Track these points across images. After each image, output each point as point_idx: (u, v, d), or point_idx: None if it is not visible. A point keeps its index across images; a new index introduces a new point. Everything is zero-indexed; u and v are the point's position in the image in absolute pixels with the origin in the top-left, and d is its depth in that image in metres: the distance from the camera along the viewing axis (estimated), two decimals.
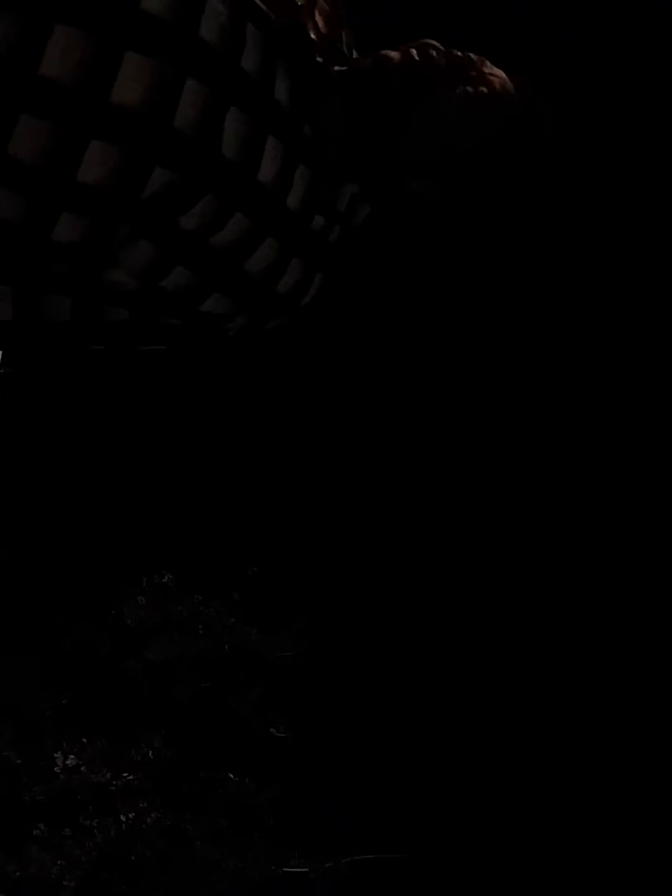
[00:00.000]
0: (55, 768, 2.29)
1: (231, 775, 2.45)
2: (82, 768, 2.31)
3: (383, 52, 1.38)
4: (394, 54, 1.35)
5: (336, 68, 1.41)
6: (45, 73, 1.19)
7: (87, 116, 1.22)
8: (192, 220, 1.37)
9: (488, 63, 1.39)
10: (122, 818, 2.31)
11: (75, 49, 1.20)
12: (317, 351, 2.51)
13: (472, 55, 1.38)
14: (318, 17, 1.47)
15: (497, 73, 1.41)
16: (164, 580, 2.53)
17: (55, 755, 2.31)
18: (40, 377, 2.50)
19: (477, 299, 2.30)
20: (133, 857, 2.30)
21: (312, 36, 1.45)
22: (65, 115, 1.21)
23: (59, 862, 2.23)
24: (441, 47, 1.33)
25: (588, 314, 2.30)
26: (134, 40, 1.25)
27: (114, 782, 2.34)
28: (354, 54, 1.46)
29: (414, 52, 1.35)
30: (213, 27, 1.29)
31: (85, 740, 2.34)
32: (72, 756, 2.31)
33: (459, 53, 1.34)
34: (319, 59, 1.41)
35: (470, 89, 1.34)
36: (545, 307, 2.33)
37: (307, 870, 2.44)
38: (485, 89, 1.37)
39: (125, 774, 2.35)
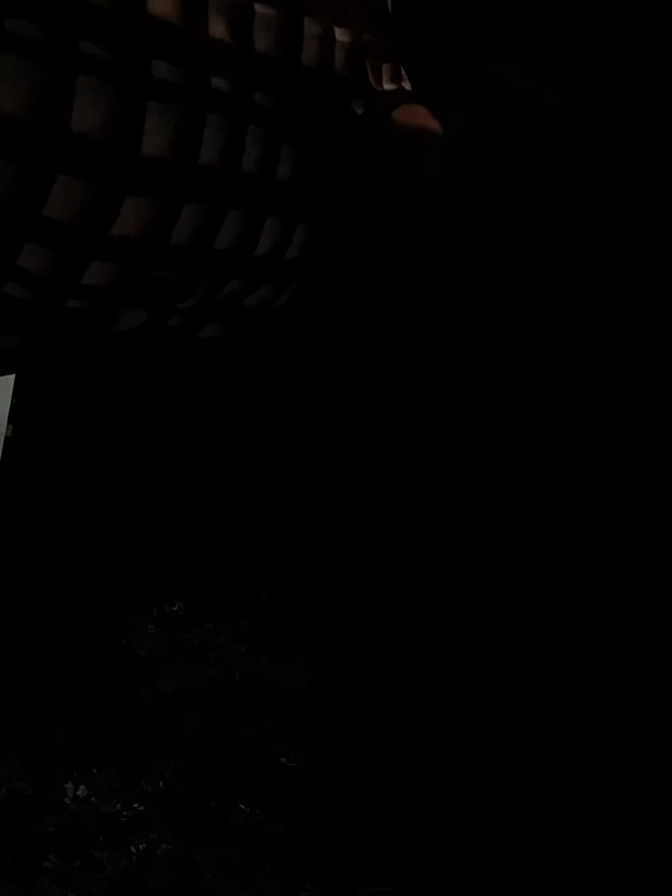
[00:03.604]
0: (65, 799, 2.28)
1: (242, 806, 2.43)
2: (93, 799, 2.30)
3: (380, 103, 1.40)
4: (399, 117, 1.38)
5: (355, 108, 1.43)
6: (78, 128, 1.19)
7: (119, 170, 1.23)
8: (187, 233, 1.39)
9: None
10: (133, 849, 2.29)
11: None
12: (329, 379, 2.51)
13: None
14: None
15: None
16: (175, 609, 2.52)
17: (65, 785, 2.29)
18: (48, 408, 2.50)
19: (480, 302, 2.29)
20: (144, 890, 2.28)
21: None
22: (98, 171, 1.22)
23: (69, 894, 2.21)
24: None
25: (588, 312, 2.30)
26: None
27: (124, 813, 2.32)
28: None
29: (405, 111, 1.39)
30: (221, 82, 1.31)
31: (95, 770, 2.33)
32: (82, 786, 2.30)
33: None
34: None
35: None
36: (548, 308, 2.32)
37: None
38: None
39: (136, 805, 2.33)
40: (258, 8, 1.27)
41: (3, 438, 2.41)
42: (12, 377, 2.38)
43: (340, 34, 1.39)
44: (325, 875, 2.41)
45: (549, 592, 2.50)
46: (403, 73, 1.54)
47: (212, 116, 1.29)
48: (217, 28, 1.24)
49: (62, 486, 2.54)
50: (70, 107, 1.18)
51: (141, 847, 2.31)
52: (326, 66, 1.38)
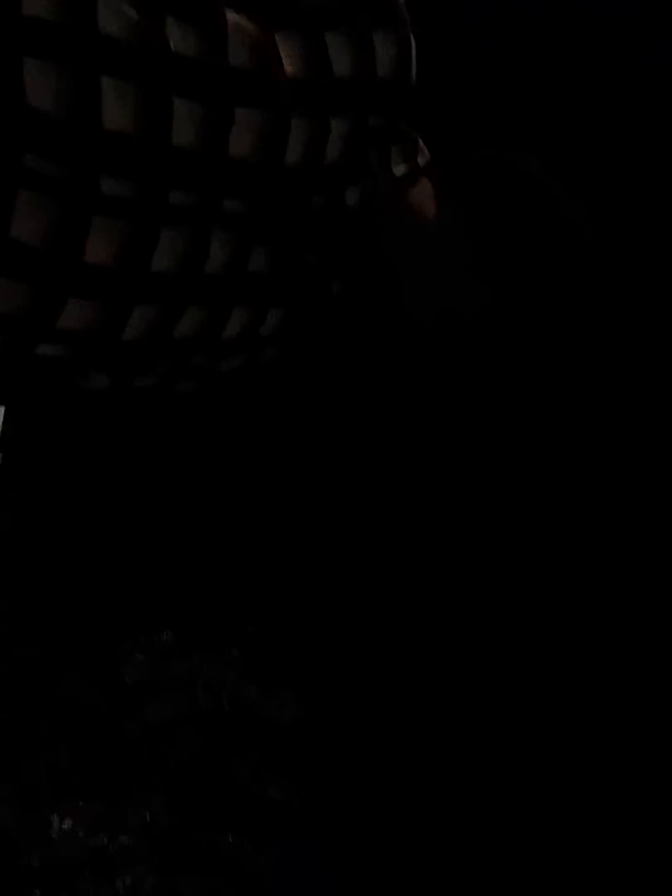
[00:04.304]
0: (51, 833, 2.25)
1: (230, 838, 2.41)
2: (79, 832, 2.27)
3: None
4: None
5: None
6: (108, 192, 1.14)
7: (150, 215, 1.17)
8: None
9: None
10: (119, 884, 2.27)
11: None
12: (315, 421, 2.50)
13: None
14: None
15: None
16: (163, 638, 2.50)
17: (51, 818, 2.26)
18: (39, 436, 2.49)
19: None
20: None
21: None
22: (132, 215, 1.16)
23: None
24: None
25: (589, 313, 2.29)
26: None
27: (111, 845, 2.29)
28: None
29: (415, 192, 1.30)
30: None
31: (81, 803, 2.30)
32: (68, 819, 2.27)
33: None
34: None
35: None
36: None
37: None
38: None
39: (122, 837, 2.31)
40: (239, 112, 1.17)
41: None
42: (2, 408, 2.37)
43: (338, 125, 1.26)
44: None
45: (541, 637, 2.49)
46: (420, 145, 1.44)
47: (167, 231, 1.20)
48: (184, 137, 1.15)
49: (52, 514, 2.53)
50: (10, 217, 1.12)
51: (127, 880, 2.28)
52: (316, 161, 1.25)
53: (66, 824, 2.28)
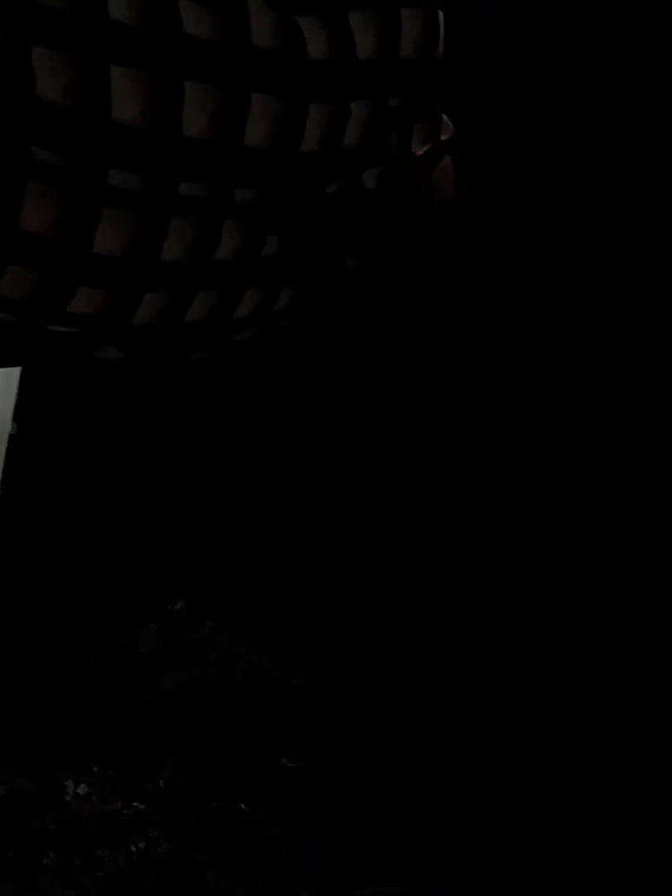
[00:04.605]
0: (66, 797, 2.28)
1: (242, 805, 2.43)
2: (93, 797, 2.30)
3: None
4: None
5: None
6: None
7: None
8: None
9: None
10: (133, 848, 2.30)
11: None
12: (331, 382, 2.51)
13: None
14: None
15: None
16: (176, 608, 2.53)
17: (66, 783, 2.30)
18: (54, 407, 2.51)
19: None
20: (143, 888, 2.28)
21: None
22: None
23: (69, 892, 2.22)
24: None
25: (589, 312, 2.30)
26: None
27: (124, 811, 2.32)
28: None
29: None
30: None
31: (96, 769, 2.33)
32: (83, 784, 2.30)
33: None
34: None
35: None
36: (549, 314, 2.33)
37: None
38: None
39: (136, 804, 2.34)
40: (255, 98, 1.11)
41: (7, 436, 2.41)
42: (17, 376, 2.38)
43: (358, 108, 1.19)
44: (324, 875, 2.41)
45: (550, 587, 2.51)
46: (445, 121, 1.39)
47: (176, 220, 1.17)
48: (195, 126, 1.10)
49: (66, 485, 2.55)
50: (19, 208, 1.11)
51: (141, 846, 2.31)
52: (333, 146, 1.19)
53: (82, 789, 2.31)
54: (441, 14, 1.30)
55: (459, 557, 2.58)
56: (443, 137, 1.34)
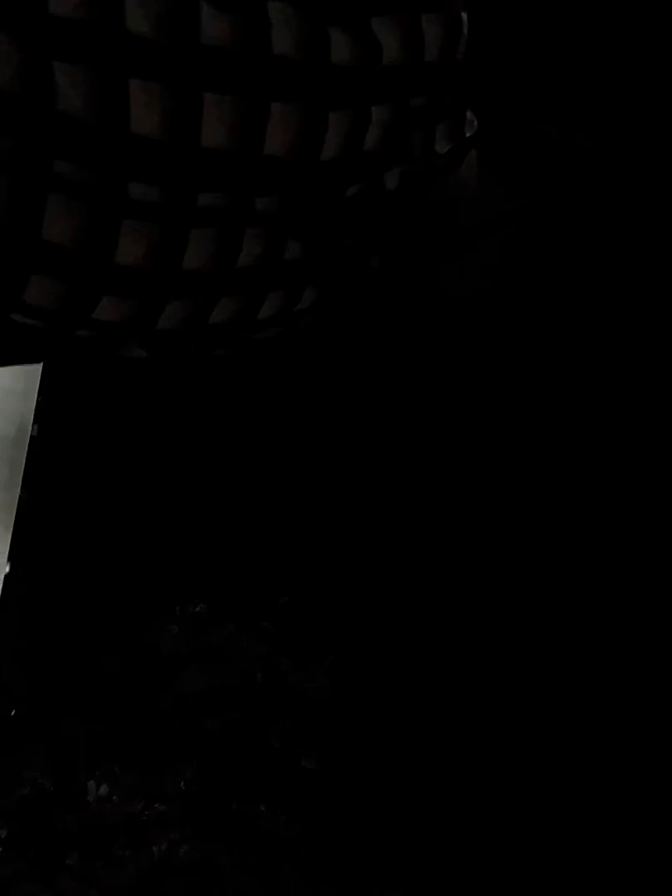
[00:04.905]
0: (88, 797, 2.29)
1: (262, 807, 2.43)
2: (115, 798, 2.30)
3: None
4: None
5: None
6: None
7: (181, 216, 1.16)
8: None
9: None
10: (154, 849, 2.30)
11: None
12: (344, 390, 2.52)
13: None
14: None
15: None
16: (197, 609, 2.53)
17: (88, 784, 2.30)
18: (74, 408, 2.51)
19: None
20: (165, 889, 2.28)
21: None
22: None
23: (91, 892, 2.22)
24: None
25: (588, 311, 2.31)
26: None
27: (146, 812, 2.32)
28: None
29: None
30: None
31: (117, 770, 2.34)
32: (104, 785, 2.31)
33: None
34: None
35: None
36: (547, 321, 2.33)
37: None
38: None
39: (157, 805, 2.34)
40: (275, 107, 1.12)
41: (29, 438, 2.42)
42: (38, 378, 2.39)
43: (379, 112, 1.19)
44: (345, 877, 2.41)
45: (561, 590, 2.51)
46: (469, 117, 1.39)
47: (196, 231, 1.15)
48: (214, 137, 1.11)
49: (87, 486, 2.55)
50: (41, 220, 1.11)
51: (162, 847, 2.31)
52: (354, 151, 1.19)
53: (103, 790, 2.31)
54: (464, 16, 1.30)
55: (478, 558, 2.58)
56: (467, 134, 1.34)
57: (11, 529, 2.43)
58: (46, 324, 1.22)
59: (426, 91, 1.26)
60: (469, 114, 1.37)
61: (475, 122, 1.35)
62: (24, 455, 2.43)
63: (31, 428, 2.44)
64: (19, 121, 1.06)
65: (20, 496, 2.43)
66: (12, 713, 2.36)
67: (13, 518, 2.43)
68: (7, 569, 2.43)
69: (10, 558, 2.42)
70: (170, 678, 2.48)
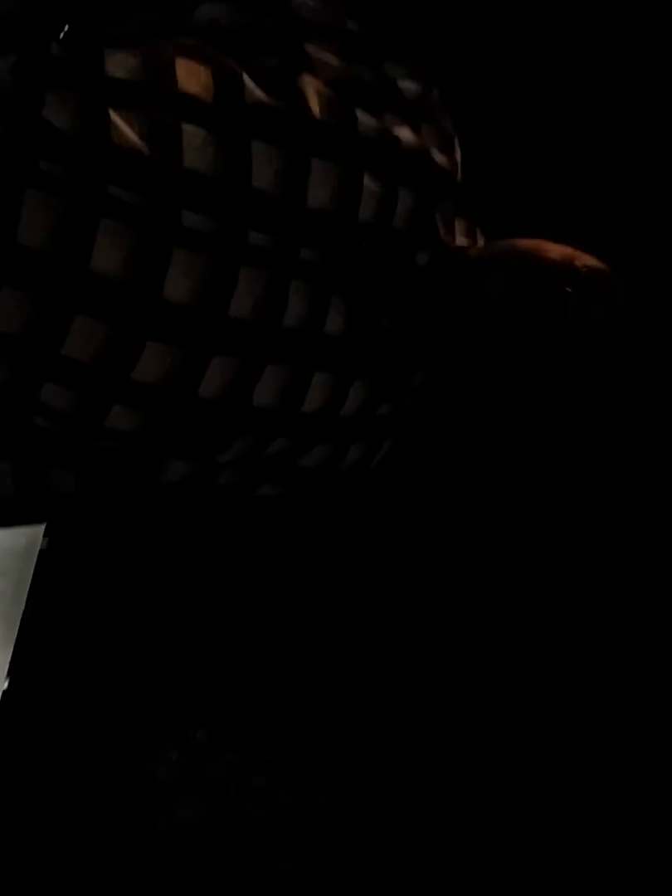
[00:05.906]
0: None
1: None
2: None
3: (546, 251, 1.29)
4: (556, 256, 1.26)
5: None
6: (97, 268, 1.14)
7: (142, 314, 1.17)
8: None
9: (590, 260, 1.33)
10: None
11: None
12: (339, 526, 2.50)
13: (590, 264, 1.31)
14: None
15: (601, 273, 1.34)
16: (197, 736, 2.46)
17: None
18: (76, 544, 2.47)
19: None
20: None
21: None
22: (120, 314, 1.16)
23: None
24: (588, 263, 1.27)
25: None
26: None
27: None
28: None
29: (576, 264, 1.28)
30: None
31: None
32: None
33: (588, 266, 1.28)
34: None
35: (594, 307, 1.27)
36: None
37: None
38: (605, 300, 1.31)
39: None
40: (315, 163, 1.23)
41: (37, 551, 2.36)
42: None
43: (404, 195, 1.32)
44: None
45: (562, 677, 2.47)
46: (479, 233, 1.48)
47: (245, 270, 1.20)
48: (263, 179, 1.20)
49: (93, 604, 2.50)
50: (91, 246, 1.11)
51: None
52: (385, 221, 1.29)
53: None
54: (456, 140, 1.40)
55: (484, 686, 2.52)
56: (479, 241, 1.40)
57: (13, 644, 2.36)
58: (82, 394, 1.19)
59: (437, 186, 1.38)
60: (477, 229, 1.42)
61: (481, 238, 1.41)
62: (32, 568, 2.38)
63: (40, 541, 2.39)
64: (78, 158, 1.12)
65: (24, 611, 2.37)
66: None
67: (16, 633, 2.37)
68: (5, 684, 2.36)
69: (10, 673, 2.35)
70: (167, 805, 2.40)
